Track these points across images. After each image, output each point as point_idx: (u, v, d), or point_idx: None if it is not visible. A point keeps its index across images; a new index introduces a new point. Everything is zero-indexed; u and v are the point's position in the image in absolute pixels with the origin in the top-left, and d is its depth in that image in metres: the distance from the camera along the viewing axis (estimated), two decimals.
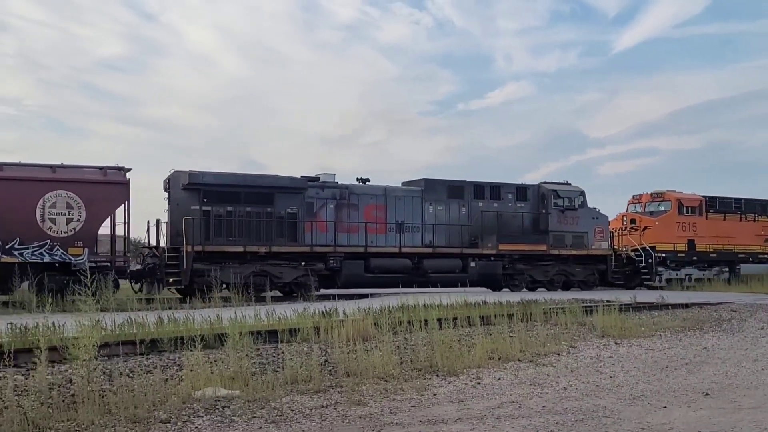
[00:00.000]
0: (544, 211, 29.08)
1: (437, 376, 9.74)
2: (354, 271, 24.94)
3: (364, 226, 25.74)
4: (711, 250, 33.68)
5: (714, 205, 34.29)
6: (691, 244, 33.15)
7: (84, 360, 8.01)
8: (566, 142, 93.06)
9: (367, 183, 27.02)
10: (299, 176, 25.62)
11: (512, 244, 28.04)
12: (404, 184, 28.28)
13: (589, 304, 17.73)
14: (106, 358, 9.53)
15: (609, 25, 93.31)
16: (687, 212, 33.29)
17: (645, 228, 32.38)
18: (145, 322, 12.33)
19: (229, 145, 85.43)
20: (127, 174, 22.69)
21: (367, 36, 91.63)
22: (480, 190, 28.41)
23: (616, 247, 31.43)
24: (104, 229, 22.40)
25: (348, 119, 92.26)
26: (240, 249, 23.68)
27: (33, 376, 8.25)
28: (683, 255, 32.84)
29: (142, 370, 9.32)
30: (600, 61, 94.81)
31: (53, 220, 21.26)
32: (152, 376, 8.85)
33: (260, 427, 7.09)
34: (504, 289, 27.85)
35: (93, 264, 21.00)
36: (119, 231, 22.44)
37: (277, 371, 9.50)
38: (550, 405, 8.11)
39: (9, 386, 7.75)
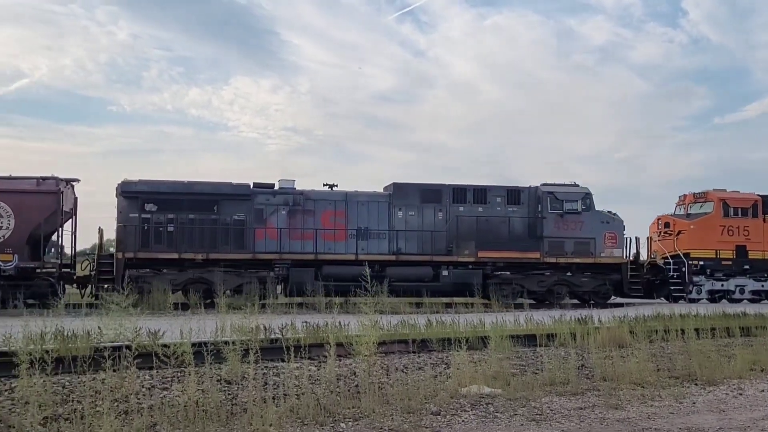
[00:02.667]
0: (539, 216, 26.29)
1: (695, 384, 9.76)
2: (302, 279, 23.58)
3: (312, 232, 24.66)
4: None
5: None
6: (740, 250, 28.15)
7: (365, 355, 9.10)
8: None
9: (335, 189, 25.95)
10: (249, 183, 25.19)
11: (495, 251, 25.59)
12: (385, 189, 26.63)
13: None
14: (383, 354, 10.64)
15: None
16: (735, 214, 28.37)
17: (679, 232, 28.35)
18: (416, 324, 13.45)
19: (486, 164, 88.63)
20: (73, 185, 23.66)
21: (620, 56, 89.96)
22: (460, 193, 26.19)
23: (651, 254, 28.11)
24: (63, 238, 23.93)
25: (600, 136, 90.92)
26: (175, 256, 23.48)
27: (323, 367, 9.52)
28: (729, 263, 28.01)
29: (414, 366, 10.30)
30: None
31: None
32: (423, 372, 9.78)
33: (521, 425, 7.51)
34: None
35: (31, 270, 22.28)
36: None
37: (536, 373, 10.01)
38: None
39: (305, 375, 8.92)
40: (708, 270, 27.61)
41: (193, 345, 9.32)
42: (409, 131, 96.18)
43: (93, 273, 23.26)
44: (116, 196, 23.97)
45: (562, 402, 8.55)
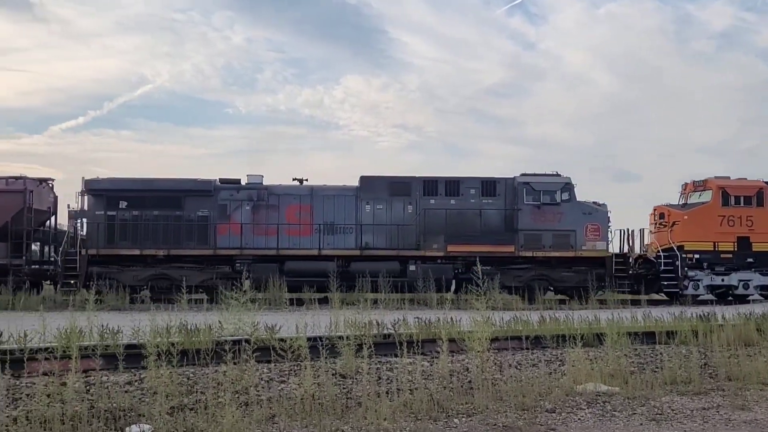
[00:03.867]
0: (515, 208, 24.80)
1: None
2: (264, 275, 22.70)
3: (276, 227, 24.10)
4: None
5: None
6: (743, 242, 25.46)
7: (478, 351, 9.07)
8: None
9: (304, 183, 25.58)
10: (216, 179, 24.95)
11: (466, 245, 24.21)
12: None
13: None
14: (496, 350, 10.57)
15: None
16: (735, 203, 25.63)
17: (674, 224, 25.80)
18: (529, 320, 13.28)
19: (599, 158, 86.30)
20: (50, 184, 24.58)
21: (743, 42, 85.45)
22: (431, 185, 24.93)
23: (643, 247, 26.17)
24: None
25: (721, 127, 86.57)
26: (137, 252, 23.66)
27: (436, 363, 9.55)
28: (729, 256, 25.38)
29: (527, 363, 10.16)
30: None
31: None
32: (537, 369, 9.66)
33: (641, 424, 7.30)
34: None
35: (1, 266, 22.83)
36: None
37: (655, 371, 9.68)
38: None
39: (418, 371, 9.00)
40: (705, 264, 25.30)
41: (309, 339, 9.56)
42: (519, 126, 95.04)
43: (59, 270, 23.75)
44: (82, 194, 24.29)
45: (684, 402, 8.25)
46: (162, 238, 23.85)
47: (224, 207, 24.41)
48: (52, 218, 25.62)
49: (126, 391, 7.95)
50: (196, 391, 8.11)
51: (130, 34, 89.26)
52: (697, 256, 25.16)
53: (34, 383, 7.78)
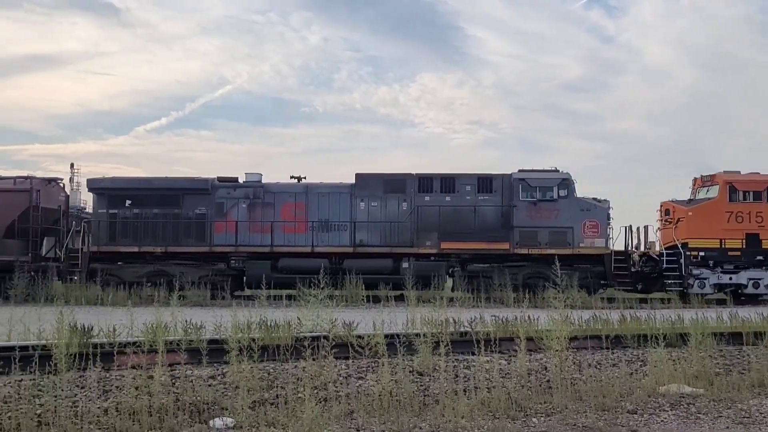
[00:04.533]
0: (511, 204, 24.14)
1: None
2: (258, 272, 22.03)
3: (274, 225, 24.22)
4: None
5: None
6: (752, 239, 24.06)
7: (556, 350, 8.98)
8: None
9: (302, 181, 25.60)
10: (214, 177, 25.23)
11: (460, 242, 23.91)
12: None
13: None
14: (575, 350, 10.42)
15: None
16: (744, 198, 24.33)
17: (678, 220, 24.63)
18: (609, 319, 13.03)
19: (680, 153, 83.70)
20: (60, 184, 25.48)
21: None
22: (426, 182, 24.51)
23: (647, 243, 25.00)
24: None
25: None
26: (135, 249, 24.16)
27: (514, 361, 9.49)
28: (737, 253, 23.98)
29: (607, 363, 9.97)
30: None
31: None
32: (618, 369, 9.48)
33: (727, 427, 7.13)
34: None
35: (9, 263, 23.04)
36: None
37: (742, 373, 9.39)
38: None
39: (495, 369, 8.99)
40: (710, 262, 24.07)
41: (386, 336, 9.63)
42: (597, 121, 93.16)
43: (62, 266, 24.39)
44: (88, 192, 25.44)
45: None
46: (161, 235, 24.39)
47: (221, 205, 24.80)
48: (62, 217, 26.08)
49: (209, 385, 8.17)
50: (276, 386, 8.28)
51: (211, 36, 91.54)
52: (702, 253, 24.10)
53: (123, 376, 8.08)
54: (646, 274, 24.72)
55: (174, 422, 7.08)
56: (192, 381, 8.18)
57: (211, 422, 7.13)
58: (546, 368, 9.34)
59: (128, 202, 24.67)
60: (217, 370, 8.79)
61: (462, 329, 11.55)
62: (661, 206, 25.79)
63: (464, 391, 7.93)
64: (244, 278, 24.25)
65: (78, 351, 8.49)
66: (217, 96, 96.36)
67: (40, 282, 22.48)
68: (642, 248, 25.11)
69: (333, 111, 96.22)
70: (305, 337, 9.44)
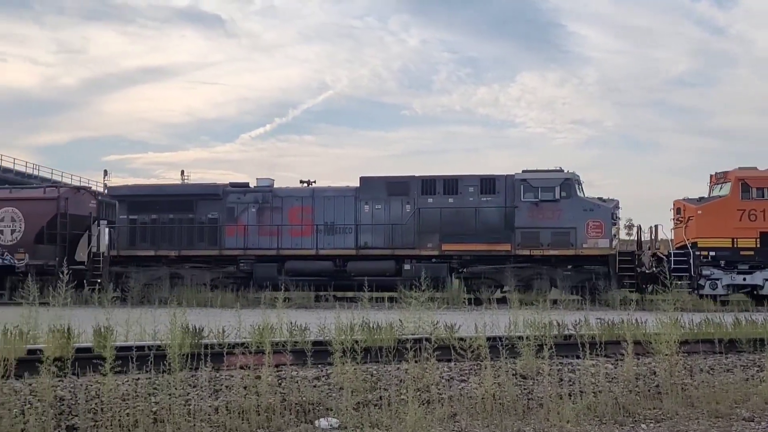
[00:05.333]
0: (513, 205, 23.91)
1: None
2: (266, 274, 23.92)
3: (281, 228, 24.92)
4: None
5: None
6: (767, 238, 22.78)
7: (666, 354, 8.70)
8: None
9: (305, 185, 26.47)
10: (227, 183, 26.49)
11: (461, 243, 23.93)
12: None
13: None
14: (685, 354, 10.05)
15: None
16: (758, 195, 23.06)
17: (689, 219, 23.62)
18: (722, 322, 12.50)
19: None
20: (91, 192, 27.40)
21: None
22: (429, 185, 24.57)
23: (656, 243, 24.19)
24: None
25: None
26: (151, 253, 25.33)
27: (620, 365, 9.25)
28: (751, 253, 22.77)
29: (721, 368, 9.59)
30: None
31: (1, 232, 26.14)
32: (732, 374, 9.10)
33: None
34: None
35: (39, 266, 24.81)
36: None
37: None
38: None
39: (601, 373, 8.79)
40: (722, 261, 22.95)
41: (488, 339, 9.57)
42: (706, 116, 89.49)
43: (86, 269, 25.24)
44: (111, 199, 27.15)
45: None
46: (176, 239, 25.46)
47: (232, 210, 25.59)
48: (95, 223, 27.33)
49: (314, 386, 8.34)
50: (379, 388, 8.36)
51: (312, 43, 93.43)
52: (713, 253, 23.11)
53: (232, 376, 8.36)
54: (656, 275, 23.31)
55: (281, 422, 7.26)
56: (297, 382, 8.37)
57: (316, 422, 7.28)
58: (655, 373, 9.05)
59: (144, 208, 26.00)
60: (322, 371, 8.96)
61: (566, 332, 11.34)
62: (673, 205, 24.90)
63: (569, 395, 7.78)
64: (251, 281, 24.79)
65: (190, 351, 8.83)
66: (318, 101, 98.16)
67: (50, 286, 23.74)
68: (653, 248, 24.49)
69: (432, 113, 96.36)
70: (407, 339, 9.49)
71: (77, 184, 56.23)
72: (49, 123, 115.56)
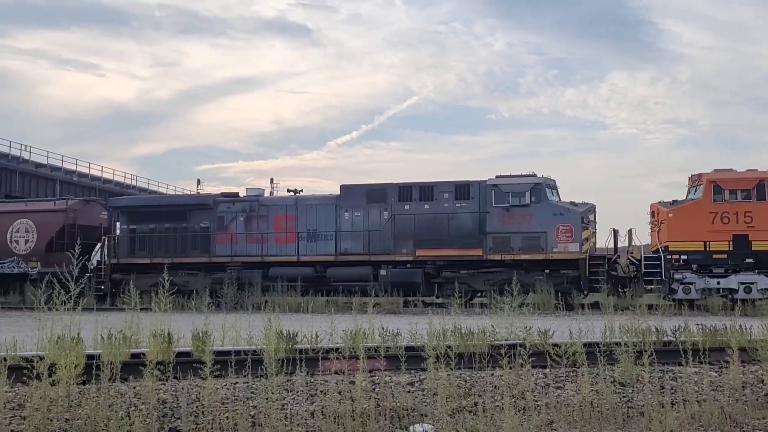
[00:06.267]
0: (485, 210, 24.25)
1: None
2: (251, 280, 24.85)
3: (267, 236, 26.05)
4: None
5: None
6: (740, 241, 22.45)
7: None
8: None
9: (290, 194, 27.68)
10: (218, 193, 28.43)
11: (434, 249, 24.51)
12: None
13: None
14: None
15: None
16: (731, 198, 22.75)
17: (662, 222, 23.53)
18: None
19: None
20: (100, 204, 29.33)
21: None
22: (406, 191, 25.18)
23: (629, 247, 24.07)
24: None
25: None
26: (147, 261, 26.82)
27: (725, 373, 8.88)
28: (723, 256, 22.52)
29: None
30: None
31: (17, 242, 28.70)
32: None
33: None
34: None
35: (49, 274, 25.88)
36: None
37: None
38: None
39: (705, 381, 8.48)
40: (694, 266, 22.63)
41: (584, 345, 9.36)
42: None
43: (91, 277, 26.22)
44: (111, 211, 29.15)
45: None
46: (171, 247, 26.94)
47: (222, 219, 26.90)
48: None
49: (408, 391, 8.33)
50: (474, 394, 8.29)
51: (397, 49, 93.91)
52: (684, 257, 22.78)
53: (327, 381, 8.44)
54: (631, 279, 23.98)
55: (376, 427, 7.28)
56: (391, 387, 8.38)
57: (411, 428, 7.27)
58: (762, 381, 8.66)
59: (142, 218, 27.76)
60: (415, 376, 8.95)
61: (665, 338, 10.98)
62: (650, 208, 24.81)
63: (671, 403, 7.52)
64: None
65: (284, 356, 8.97)
66: (404, 107, 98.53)
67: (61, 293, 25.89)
68: (628, 252, 24.35)
69: (519, 116, 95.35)
70: (501, 345, 9.38)
71: (172, 192, 58.65)
72: (146, 135, 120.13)
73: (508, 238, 24.17)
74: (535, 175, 24.65)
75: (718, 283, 22.61)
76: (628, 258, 24.18)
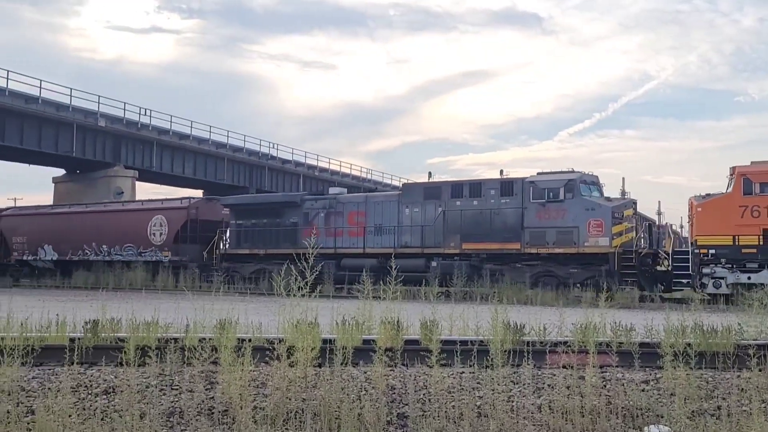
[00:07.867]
0: (524, 206, 25.33)
1: None
2: (327, 269, 25.83)
3: (341, 229, 29.06)
4: None
5: None
6: None
7: None
8: None
9: (362, 193, 31.16)
10: (306, 192, 34.12)
11: (477, 242, 26.13)
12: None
13: None
14: None
15: None
16: (762, 191, 21.73)
17: (693, 216, 23.07)
18: None
19: None
20: (219, 202, 34.18)
21: None
22: (458, 189, 27.20)
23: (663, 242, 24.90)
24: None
25: None
26: (247, 251, 31.40)
27: None
28: (753, 251, 21.58)
29: None
30: None
31: (154, 234, 33.83)
32: None
33: None
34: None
35: (177, 261, 32.53)
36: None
37: None
38: None
39: None
40: (723, 260, 22.24)
41: None
42: None
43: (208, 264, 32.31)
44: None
45: None
46: (267, 240, 30.90)
47: (307, 215, 30.40)
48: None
49: (642, 390, 7.87)
50: (716, 397, 7.66)
51: (632, 33, 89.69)
52: (713, 251, 22.49)
53: (555, 374, 8.20)
54: (661, 273, 24.64)
55: (606, 425, 6.96)
56: (624, 384, 7.97)
57: (645, 429, 6.87)
58: None
59: (247, 214, 32.18)
60: (650, 374, 8.44)
61: None
62: (689, 202, 24.56)
63: None
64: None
65: (511, 348, 8.85)
66: (640, 93, 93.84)
67: (185, 276, 30.68)
68: (668, 246, 24.53)
69: None
70: (749, 345, 8.57)
71: (396, 184, 61.28)
72: (381, 130, 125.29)
73: (544, 232, 25.37)
74: (573, 171, 25.65)
75: (749, 278, 22.06)
76: (663, 252, 24.77)
